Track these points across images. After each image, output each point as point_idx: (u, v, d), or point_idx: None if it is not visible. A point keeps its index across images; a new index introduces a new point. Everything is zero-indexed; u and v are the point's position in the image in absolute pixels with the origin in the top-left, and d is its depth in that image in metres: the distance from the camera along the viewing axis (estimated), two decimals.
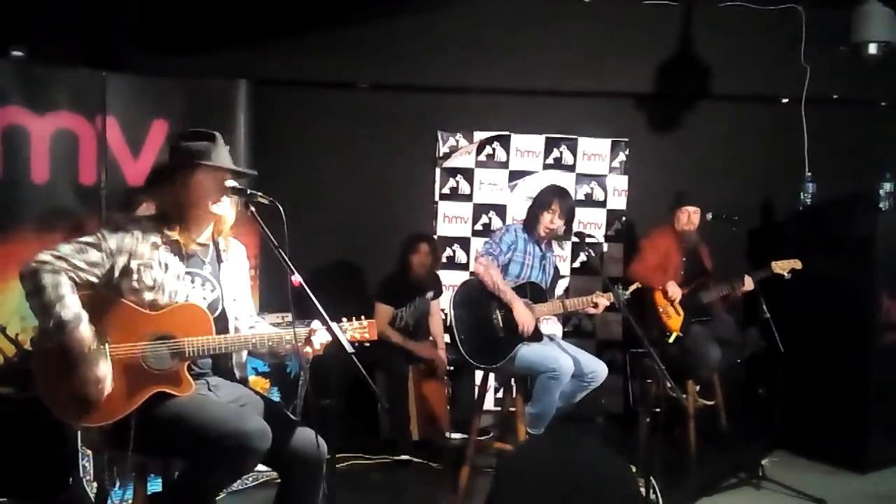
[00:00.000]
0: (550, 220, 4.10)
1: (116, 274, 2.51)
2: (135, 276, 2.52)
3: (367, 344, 2.77)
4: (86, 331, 2.40)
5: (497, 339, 3.91)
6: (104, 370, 2.43)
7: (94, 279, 2.49)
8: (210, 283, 2.68)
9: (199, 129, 2.65)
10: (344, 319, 2.73)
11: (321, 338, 2.62)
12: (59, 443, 3.55)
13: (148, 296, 2.53)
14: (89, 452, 3.42)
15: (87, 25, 5.04)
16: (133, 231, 2.56)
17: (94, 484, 3.41)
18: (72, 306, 2.39)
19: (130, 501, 2.78)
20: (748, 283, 4.61)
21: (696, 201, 4.78)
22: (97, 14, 5.07)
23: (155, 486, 2.86)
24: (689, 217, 4.76)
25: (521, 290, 4.04)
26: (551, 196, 4.13)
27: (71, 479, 3.53)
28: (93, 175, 4.42)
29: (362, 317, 2.76)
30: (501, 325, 3.93)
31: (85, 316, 2.41)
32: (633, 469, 3.90)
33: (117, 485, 3.15)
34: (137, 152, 4.58)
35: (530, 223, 4.18)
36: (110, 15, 5.12)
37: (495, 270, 3.99)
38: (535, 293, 4.10)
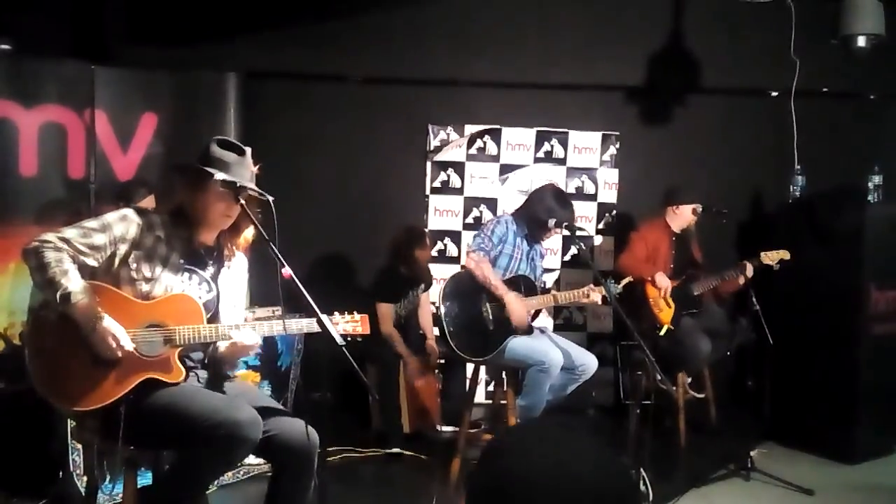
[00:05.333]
0: (552, 232, 4.10)
1: (116, 261, 2.52)
2: (133, 266, 2.53)
3: (360, 339, 2.78)
4: (91, 301, 2.42)
5: (486, 333, 3.91)
6: (116, 324, 2.44)
7: (95, 263, 2.50)
8: (207, 283, 2.68)
9: (231, 140, 2.68)
10: (336, 313, 2.74)
11: (244, 337, 2.60)
12: (49, 437, 3.54)
13: (144, 287, 2.53)
14: (79, 446, 3.41)
15: (75, 17, 5.00)
16: (138, 221, 2.56)
17: (84, 478, 3.39)
18: (77, 280, 2.42)
19: (120, 495, 2.78)
20: (749, 270, 4.60)
21: (693, 196, 4.80)
22: (85, 6, 5.03)
23: (145, 479, 2.85)
24: (694, 212, 4.78)
25: (514, 284, 4.03)
26: (564, 214, 4.03)
27: (61, 473, 3.52)
28: (81, 169, 4.41)
29: (354, 311, 2.77)
30: (491, 318, 3.93)
31: (89, 289, 2.43)
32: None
33: (107, 479, 3.14)
34: (126, 146, 4.57)
35: (529, 223, 4.13)
36: (98, 7, 5.07)
37: (486, 265, 3.97)
38: (527, 287, 4.10)
